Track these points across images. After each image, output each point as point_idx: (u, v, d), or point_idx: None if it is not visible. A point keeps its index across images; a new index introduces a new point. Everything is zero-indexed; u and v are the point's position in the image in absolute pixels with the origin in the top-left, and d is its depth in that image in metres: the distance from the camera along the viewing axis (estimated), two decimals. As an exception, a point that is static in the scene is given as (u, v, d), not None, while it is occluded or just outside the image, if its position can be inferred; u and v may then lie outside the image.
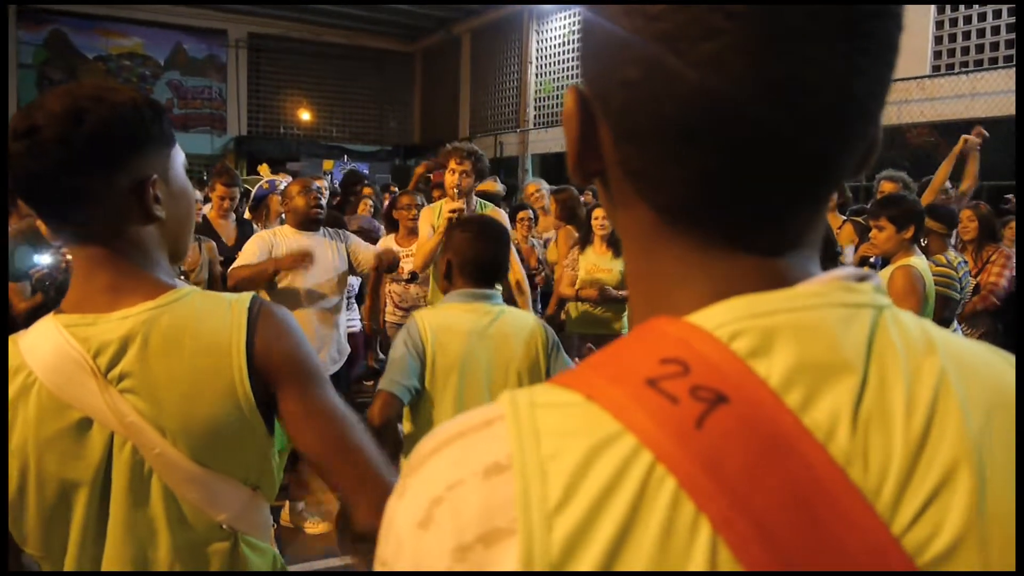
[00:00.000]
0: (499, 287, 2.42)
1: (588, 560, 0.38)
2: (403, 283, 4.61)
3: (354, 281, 4.61)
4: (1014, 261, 4.67)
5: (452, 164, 3.90)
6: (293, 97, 17.64)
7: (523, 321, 2.38)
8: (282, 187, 4.63)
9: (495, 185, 6.30)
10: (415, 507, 0.43)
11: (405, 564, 0.43)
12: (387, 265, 3.95)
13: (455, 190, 3.86)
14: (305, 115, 17.71)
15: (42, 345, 1.04)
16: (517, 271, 3.98)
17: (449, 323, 2.27)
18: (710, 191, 0.44)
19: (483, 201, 4.17)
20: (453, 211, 3.73)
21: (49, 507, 1.03)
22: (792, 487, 0.39)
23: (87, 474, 1.03)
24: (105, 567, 1.05)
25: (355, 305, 4.62)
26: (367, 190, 6.98)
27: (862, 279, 0.47)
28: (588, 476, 0.39)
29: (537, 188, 6.75)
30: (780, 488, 0.38)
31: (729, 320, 0.43)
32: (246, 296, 1.13)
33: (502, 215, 4.07)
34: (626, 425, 0.40)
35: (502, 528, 0.40)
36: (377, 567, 0.45)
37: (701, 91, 0.42)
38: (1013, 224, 5.16)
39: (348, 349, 4.04)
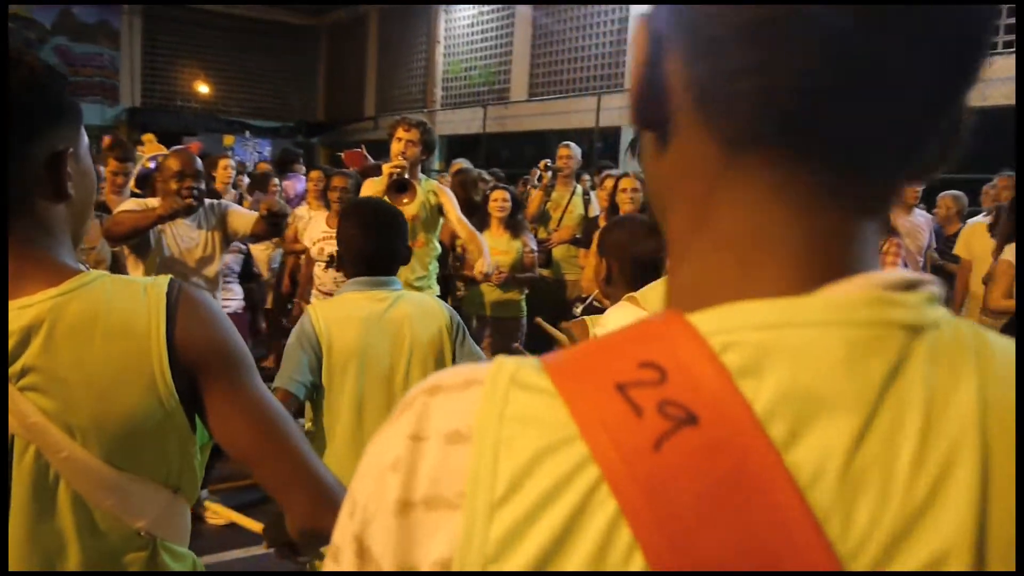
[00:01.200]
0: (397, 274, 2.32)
1: (518, 562, 0.36)
2: (323, 265, 4.51)
3: (233, 260, 4.38)
4: (904, 251, 4.93)
5: (399, 132, 3.85)
6: (191, 68, 16.94)
7: (424, 304, 2.29)
8: None
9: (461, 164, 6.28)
10: (384, 450, 0.43)
11: (362, 498, 0.44)
12: (273, 220, 3.43)
13: (400, 158, 3.78)
14: (203, 88, 17.04)
15: None
16: (465, 230, 3.98)
17: (343, 313, 2.18)
18: (792, 107, 0.39)
19: (426, 176, 4.10)
20: (395, 167, 3.65)
21: None
22: (750, 535, 0.34)
23: None
24: None
25: (235, 284, 4.46)
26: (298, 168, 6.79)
27: (912, 286, 0.40)
28: (533, 476, 0.37)
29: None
30: (734, 534, 0.34)
31: (726, 328, 0.39)
32: (163, 279, 1.03)
33: (446, 192, 4.04)
34: (581, 431, 0.37)
35: (446, 498, 0.39)
36: (347, 499, 0.46)
37: None
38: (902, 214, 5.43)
39: None
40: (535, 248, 4.91)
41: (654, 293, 1.35)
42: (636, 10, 10.76)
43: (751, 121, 0.40)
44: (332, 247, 4.47)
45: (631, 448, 0.36)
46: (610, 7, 11.28)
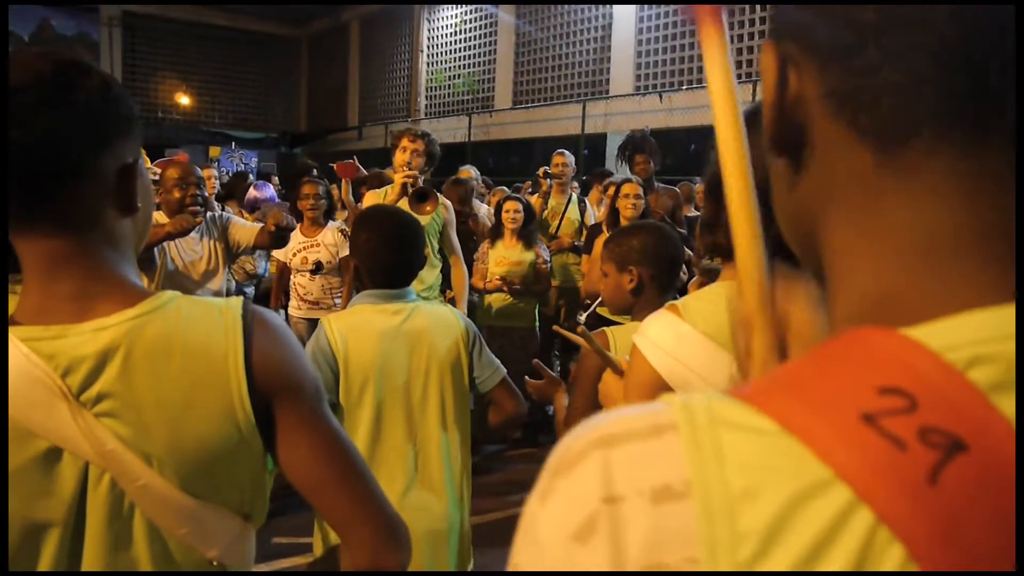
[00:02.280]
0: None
1: None
2: (307, 274, 4.48)
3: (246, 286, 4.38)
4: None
5: (404, 143, 3.83)
6: (172, 80, 16.85)
7: (441, 316, 2.22)
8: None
9: (468, 172, 6.28)
10: (565, 516, 0.38)
11: None
12: (279, 234, 3.46)
13: (405, 168, 3.74)
14: (184, 99, 16.96)
15: None
16: (455, 255, 4.01)
17: (360, 327, 2.09)
18: (946, 87, 0.38)
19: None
20: (407, 176, 3.62)
21: (11, 549, 0.88)
22: None
23: (58, 513, 0.89)
24: None
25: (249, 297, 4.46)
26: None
27: None
28: (791, 529, 0.33)
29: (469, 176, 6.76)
30: None
31: (959, 342, 0.35)
32: (235, 302, 0.99)
33: (451, 211, 4.04)
34: (837, 472, 0.33)
35: (670, 565, 0.34)
36: (510, 568, 0.41)
37: None
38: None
39: None
40: (548, 259, 4.89)
41: (698, 304, 1.33)
42: (619, 16, 10.82)
43: (903, 114, 0.39)
44: (316, 255, 4.44)
45: (906, 485, 0.32)
46: (592, 15, 11.33)
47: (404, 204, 3.53)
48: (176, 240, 3.32)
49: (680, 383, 1.30)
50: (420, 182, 3.75)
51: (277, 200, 6.47)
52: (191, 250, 3.41)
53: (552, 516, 0.39)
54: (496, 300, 4.76)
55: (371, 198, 3.85)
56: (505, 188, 7.02)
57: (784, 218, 0.50)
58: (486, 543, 3.09)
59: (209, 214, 3.53)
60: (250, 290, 4.50)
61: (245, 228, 3.58)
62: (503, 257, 4.72)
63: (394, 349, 2.09)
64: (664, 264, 2.07)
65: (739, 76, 9.37)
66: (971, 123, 0.38)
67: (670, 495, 0.35)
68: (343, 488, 0.98)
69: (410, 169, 3.74)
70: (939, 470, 0.32)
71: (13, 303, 1.03)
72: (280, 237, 3.41)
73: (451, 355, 2.16)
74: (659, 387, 1.31)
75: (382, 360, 2.08)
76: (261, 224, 3.68)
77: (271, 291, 5.46)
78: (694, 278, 3.44)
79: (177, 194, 3.25)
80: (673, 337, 1.32)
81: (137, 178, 0.95)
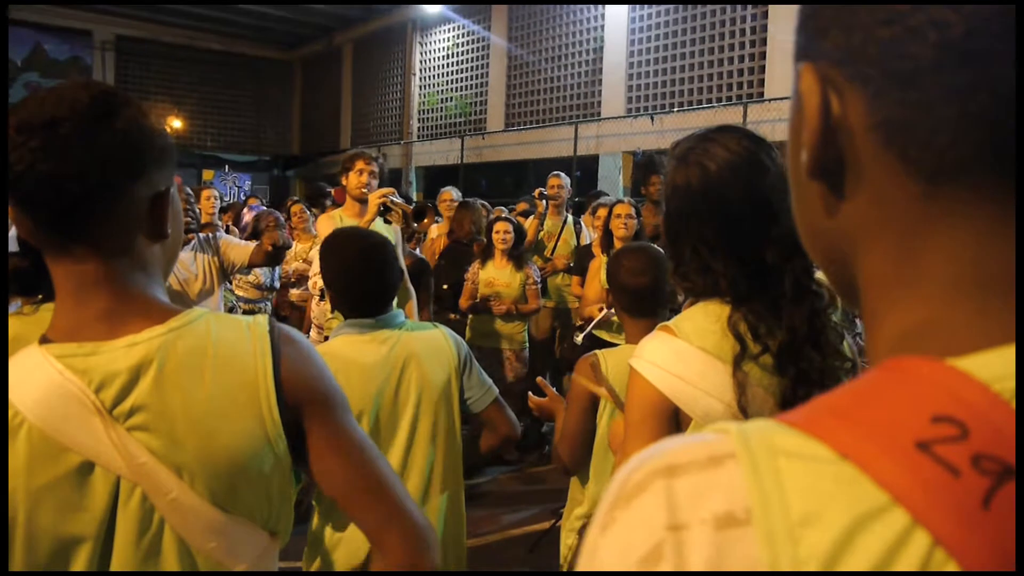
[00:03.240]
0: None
1: None
2: (316, 299, 4.47)
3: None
4: None
5: (360, 165, 3.87)
6: (164, 103, 16.86)
7: (430, 341, 2.09)
8: None
9: (449, 193, 6.33)
10: (629, 544, 0.38)
11: None
12: (275, 253, 3.50)
13: (363, 191, 3.79)
14: (177, 122, 16.98)
15: (29, 379, 0.89)
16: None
17: (344, 360, 1.95)
18: (1005, 129, 0.38)
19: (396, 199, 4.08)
20: (384, 195, 3.62)
21: (40, 566, 0.88)
22: None
23: (89, 528, 0.89)
24: None
25: None
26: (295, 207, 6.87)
27: None
28: (852, 553, 0.34)
29: (450, 196, 6.77)
30: None
31: (1010, 373, 0.37)
32: (262, 318, 1.02)
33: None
34: (895, 497, 0.34)
35: None
36: None
37: None
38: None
39: None
40: (538, 280, 4.91)
41: (689, 324, 1.34)
42: (611, 39, 10.91)
43: (956, 150, 0.39)
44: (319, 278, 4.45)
45: (961, 510, 0.34)
46: (584, 37, 11.42)
47: (375, 226, 3.51)
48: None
49: (684, 400, 1.30)
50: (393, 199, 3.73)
51: None
52: (186, 269, 3.44)
53: (615, 545, 0.39)
54: (484, 320, 4.77)
55: (326, 223, 3.74)
56: (503, 208, 7.08)
57: (816, 241, 0.50)
58: (483, 564, 3.06)
59: (202, 235, 3.57)
60: (266, 305, 4.55)
61: (238, 247, 3.62)
62: (493, 278, 4.73)
63: (383, 380, 1.99)
64: (630, 291, 2.07)
65: (729, 98, 9.44)
66: (1009, 165, 0.39)
67: (733, 522, 0.36)
68: (376, 494, 1.01)
69: (369, 190, 3.76)
70: (991, 495, 0.34)
71: (16, 324, 1.04)
72: (275, 256, 3.42)
73: (442, 383, 2.06)
74: (663, 407, 1.31)
75: (371, 392, 1.98)
76: (255, 243, 3.71)
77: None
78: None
79: None
80: (670, 354, 1.32)
81: (169, 206, 0.97)
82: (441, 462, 2.05)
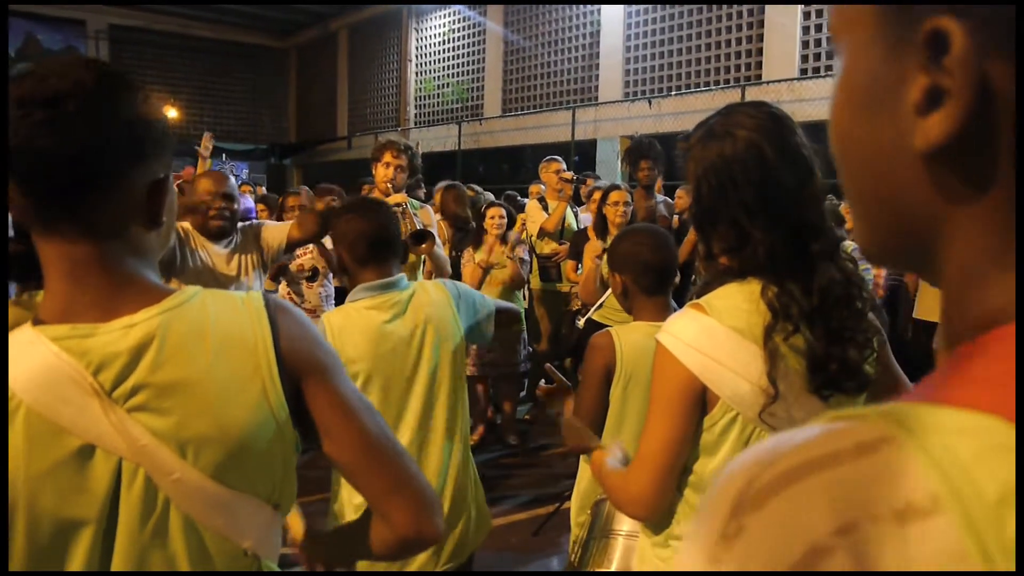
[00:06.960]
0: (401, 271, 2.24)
1: None
2: (303, 282, 4.47)
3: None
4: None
5: (387, 157, 3.64)
6: (159, 92, 16.77)
7: (432, 299, 2.20)
8: None
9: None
10: (773, 551, 0.34)
11: None
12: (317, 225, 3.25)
13: (388, 184, 3.58)
14: (172, 112, 16.90)
15: (25, 362, 0.87)
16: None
17: (357, 322, 2.09)
18: None
19: (412, 200, 3.89)
20: (396, 205, 3.36)
21: (42, 550, 0.87)
22: None
23: (91, 511, 0.88)
24: None
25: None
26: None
27: None
28: None
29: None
30: None
31: None
32: (255, 293, 1.02)
33: (430, 213, 3.97)
34: None
35: None
36: None
37: None
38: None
39: None
40: (526, 258, 4.99)
41: (721, 303, 1.33)
42: (607, 23, 10.86)
43: None
44: (310, 261, 4.45)
45: None
46: (580, 22, 11.38)
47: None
48: (207, 254, 3.13)
49: (713, 378, 1.29)
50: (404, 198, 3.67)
51: (254, 212, 6.45)
52: (221, 263, 3.17)
53: (752, 555, 0.35)
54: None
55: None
56: (516, 194, 7.10)
57: (894, 216, 0.45)
58: (488, 548, 3.08)
59: (240, 226, 3.28)
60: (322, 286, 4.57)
61: (275, 228, 3.34)
62: (488, 261, 4.79)
63: (395, 342, 2.10)
64: (640, 270, 2.09)
65: (727, 81, 9.42)
66: None
67: (917, 513, 0.32)
68: (381, 459, 1.01)
69: (393, 184, 3.62)
70: None
71: (14, 312, 1.03)
72: (324, 226, 3.20)
73: (452, 334, 2.20)
74: (691, 386, 1.31)
75: (385, 355, 2.09)
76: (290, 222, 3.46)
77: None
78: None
79: (203, 199, 3.09)
80: (699, 331, 1.31)
81: (166, 194, 0.96)
82: (457, 416, 2.19)
